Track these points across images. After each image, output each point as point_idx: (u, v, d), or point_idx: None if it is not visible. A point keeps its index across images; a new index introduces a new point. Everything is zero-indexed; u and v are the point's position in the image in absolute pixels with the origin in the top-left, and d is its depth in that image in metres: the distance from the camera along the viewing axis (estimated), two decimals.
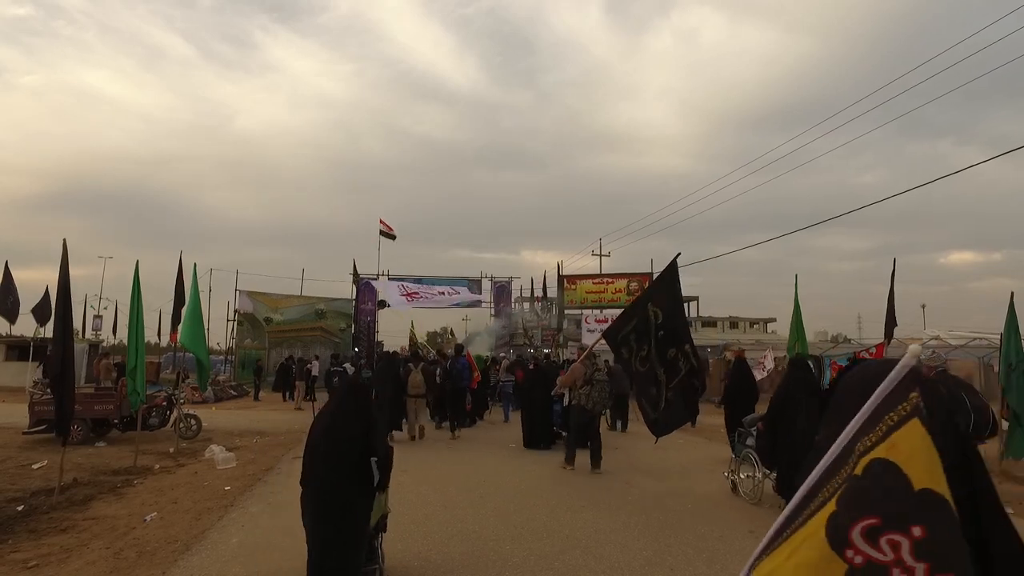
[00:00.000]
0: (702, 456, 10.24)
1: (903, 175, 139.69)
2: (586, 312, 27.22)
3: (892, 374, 1.06)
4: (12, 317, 23.13)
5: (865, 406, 1.09)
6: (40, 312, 22.71)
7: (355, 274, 27.23)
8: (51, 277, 38.72)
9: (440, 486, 7.52)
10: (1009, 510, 6.63)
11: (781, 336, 30.51)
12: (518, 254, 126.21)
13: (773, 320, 40.11)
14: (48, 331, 21.56)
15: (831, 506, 1.10)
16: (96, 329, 33.58)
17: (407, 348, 17.25)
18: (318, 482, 3.80)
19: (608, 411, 13.85)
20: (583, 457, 8.77)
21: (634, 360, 7.04)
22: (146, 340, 10.17)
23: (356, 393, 4.11)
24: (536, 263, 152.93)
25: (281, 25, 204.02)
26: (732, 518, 6.38)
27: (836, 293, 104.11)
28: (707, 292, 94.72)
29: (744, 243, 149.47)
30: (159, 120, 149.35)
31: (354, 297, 27.30)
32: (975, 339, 18.20)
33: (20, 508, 6.18)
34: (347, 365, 16.57)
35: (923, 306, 48.17)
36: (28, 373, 20.23)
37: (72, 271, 6.70)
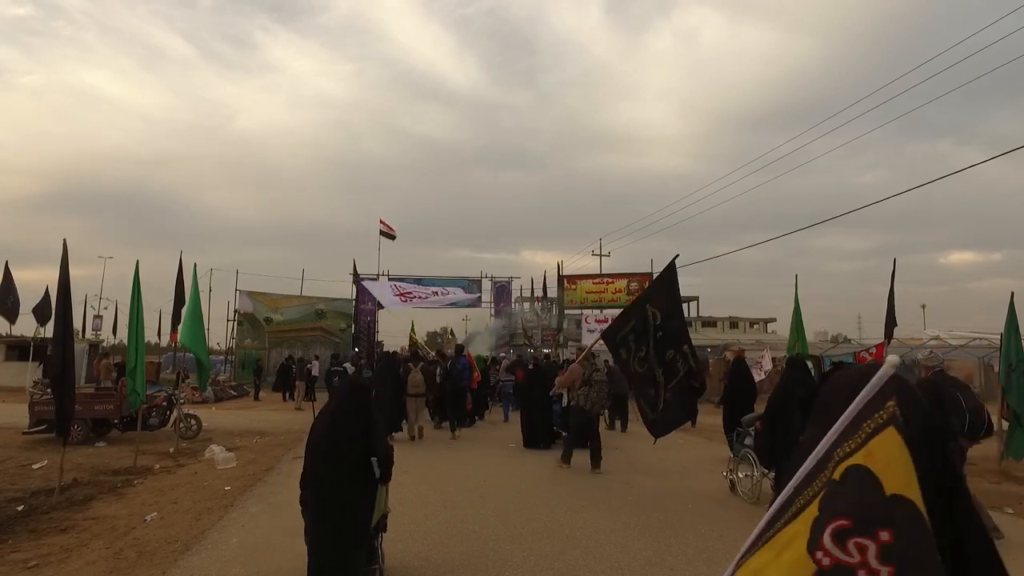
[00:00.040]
0: (702, 456, 10.24)
1: (903, 175, 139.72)
2: (586, 312, 27.23)
3: (871, 384, 1.09)
4: (12, 317, 23.14)
5: (844, 414, 1.12)
6: (41, 312, 22.71)
7: (355, 274, 27.24)
8: (51, 277, 38.77)
9: (440, 486, 7.52)
10: (1009, 510, 6.59)
11: (781, 336, 30.51)
12: (518, 254, 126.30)
13: (773, 320, 40.12)
14: (48, 331, 21.59)
15: (814, 510, 1.13)
16: (96, 329, 33.61)
17: (407, 348, 17.25)
18: (318, 482, 3.81)
19: (607, 411, 13.87)
20: (580, 456, 8.77)
21: (632, 361, 7.04)
22: (146, 340, 10.17)
23: (356, 393, 4.11)
24: (536, 263, 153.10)
25: (281, 25, 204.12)
26: (732, 518, 6.38)
27: (836, 293, 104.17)
28: (707, 292, 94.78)
29: (744, 243, 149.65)
30: (159, 120, 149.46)
31: (354, 297, 27.31)
32: (975, 339, 18.24)
33: (20, 508, 6.18)
34: (347, 365, 16.58)
35: (923, 306, 48.29)
36: (28, 373, 20.24)
37: (72, 271, 6.70)
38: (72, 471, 7.73)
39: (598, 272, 29.08)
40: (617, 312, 8.39)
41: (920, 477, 1.05)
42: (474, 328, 33.68)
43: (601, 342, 7.35)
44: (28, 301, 23.53)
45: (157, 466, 8.50)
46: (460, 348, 14.47)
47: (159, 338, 28.70)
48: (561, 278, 27.98)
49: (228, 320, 27.47)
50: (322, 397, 14.21)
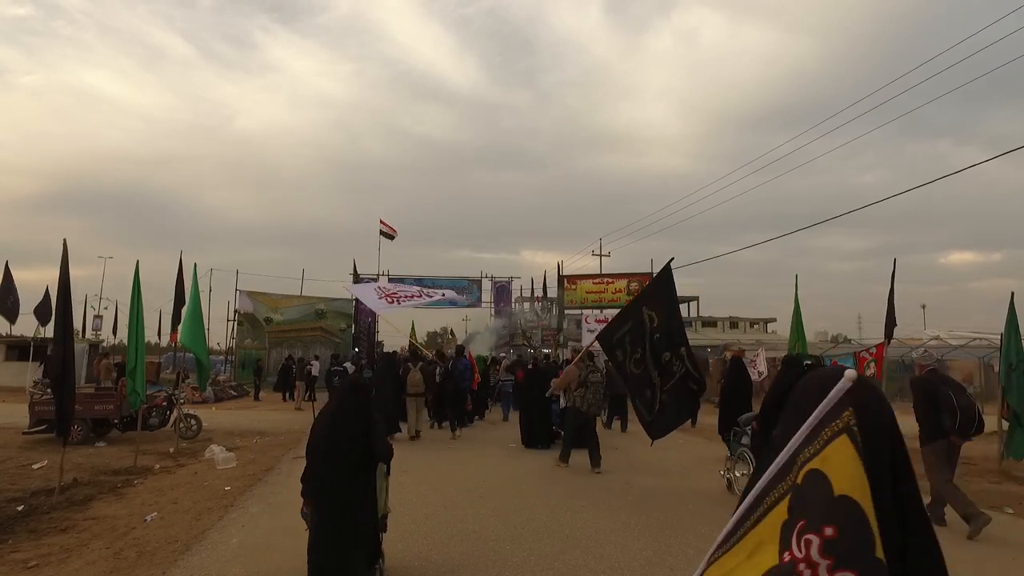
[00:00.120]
0: (702, 456, 10.24)
1: (903, 175, 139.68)
2: (586, 312, 27.23)
3: (830, 395, 1.18)
4: (12, 317, 23.15)
5: (807, 422, 1.21)
6: (42, 312, 22.72)
7: (355, 274, 27.25)
8: (51, 277, 38.79)
9: (440, 486, 7.52)
10: (1009, 510, 6.58)
11: (781, 336, 30.54)
12: (518, 254, 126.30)
13: (773, 320, 40.16)
14: (49, 331, 21.60)
15: (783, 513, 1.21)
16: (96, 329, 33.60)
17: (407, 348, 17.27)
18: (318, 482, 3.81)
19: (605, 411, 13.88)
20: (579, 456, 8.78)
21: (628, 362, 7.06)
22: (146, 340, 10.18)
23: (356, 393, 4.11)
24: (536, 263, 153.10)
25: (281, 25, 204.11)
26: None
27: (836, 293, 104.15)
28: (707, 292, 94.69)
29: (744, 243, 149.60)
30: (159, 120, 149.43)
31: (354, 297, 27.31)
32: (975, 339, 18.23)
33: (20, 508, 6.18)
34: (347, 364, 16.58)
35: (923, 306, 48.27)
36: (28, 373, 20.24)
37: (72, 271, 6.70)
38: (72, 471, 7.73)
39: (598, 272, 29.09)
40: (617, 312, 8.41)
41: (872, 477, 1.12)
42: (474, 328, 33.74)
43: (597, 344, 7.37)
44: (28, 301, 23.57)
45: (157, 466, 8.50)
46: (461, 348, 14.47)
47: (159, 338, 28.71)
48: (561, 278, 27.98)
49: (228, 320, 27.52)
50: (322, 397, 14.21)
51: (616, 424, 13.91)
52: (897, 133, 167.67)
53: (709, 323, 38.93)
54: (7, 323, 23.34)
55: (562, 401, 9.83)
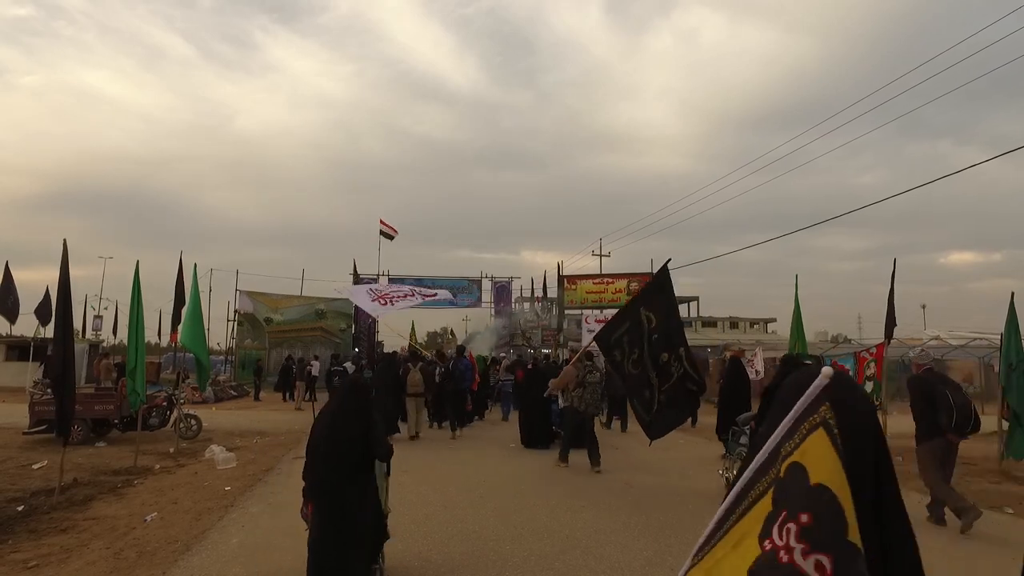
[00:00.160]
0: (702, 456, 10.23)
1: (903, 175, 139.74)
2: (586, 312, 27.23)
3: (807, 392, 1.24)
4: (12, 317, 23.14)
5: (787, 417, 1.28)
6: (43, 312, 22.71)
7: (355, 274, 27.26)
8: (51, 277, 38.79)
9: (440, 486, 7.52)
10: (1009, 510, 6.57)
11: (781, 336, 30.54)
12: (518, 254, 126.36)
13: (773, 320, 40.15)
14: (49, 331, 21.59)
15: (768, 505, 1.27)
16: (96, 329, 33.59)
17: (407, 348, 17.27)
18: (319, 482, 3.80)
19: (605, 411, 13.89)
20: (579, 456, 8.79)
21: (627, 363, 7.07)
22: (146, 340, 10.17)
23: (356, 393, 4.11)
24: (536, 263, 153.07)
25: (281, 25, 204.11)
26: None
27: (836, 293, 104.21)
28: (707, 292, 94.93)
29: (744, 243, 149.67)
30: (159, 120, 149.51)
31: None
32: (975, 339, 18.22)
33: (20, 508, 6.18)
34: (348, 364, 16.58)
35: (923, 306, 48.23)
36: (28, 373, 20.24)
37: (72, 271, 6.69)
38: (72, 471, 7.73)
39: (598, 272, 29.10)
40: (615, 313, 8.44)
41: (851, 472, 1.17)
42: (474, 328, 33.77)
43: (595, 344, 7.38)
44: (28, 301, 23.57)
45: (157, 466, 8.50)
46: (461, 349, 14.47)
47: (159, 338, 28.67)
48: (561, 278, 27.99)
49: (228, 320, 27.53)
50: (322, 397, 14.21)
51: (616, 424, 13.91)
52: (897, 133, 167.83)
53: (709, 323, 38.92)
54: (7, 323, 23.36)
55: (560, 401, 9.84)
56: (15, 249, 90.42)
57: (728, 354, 18.92)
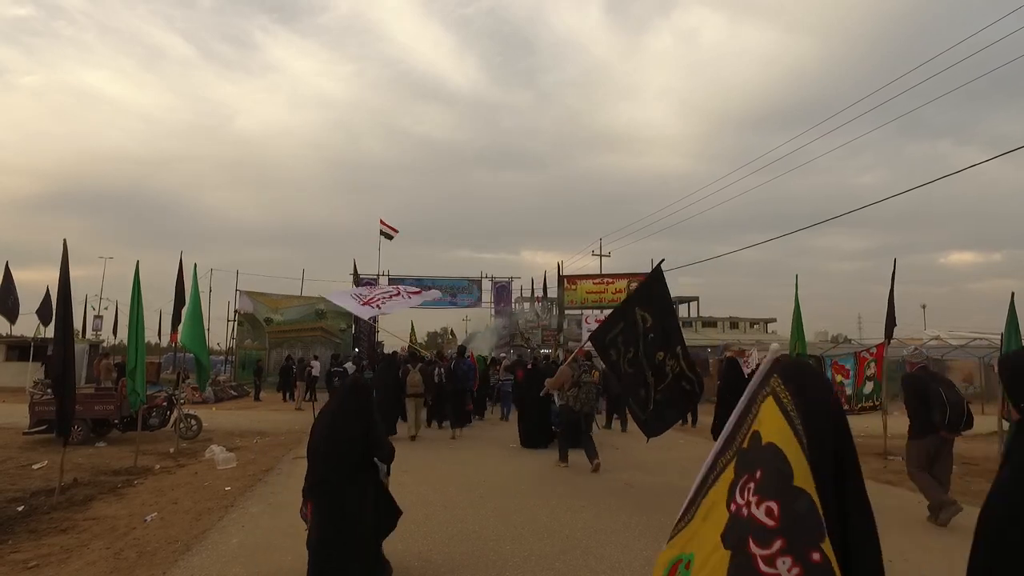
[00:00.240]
0: (702, 455, 10.08)
1: (903, 175, 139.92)
2: (586, 312, 27.26)
3: (760, 367, 1.40)
4: (12, 317, 23.16)
5: (746, 392, 1.43)
6: (44, 313, 22.73)
7: (355, 274, 27.27)
8: (51, 277, 38.82)
9: (440, 486, 7.52)
10: None
11: (781, 336, 30.50)
12: (518, 254, 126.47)
13: (773, 320, 40.06)
14: (49, 331, 21.60)
15: (730, 474, 1.39)
16: (96, 329, 33.62)
17: (406, 349, 17.28)
18: (318, 482, 3.80)
19: (604, 411, 13.90)
20: (579, 456, 8.79)
21: (622, 362, 7.07)
22: (146, 340, 10.17)
23: (357, 393, 4.11)
24: (536, 263, 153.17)
25: (281, 25, 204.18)
26: None
27: (836, 293, 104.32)
28: (707, 292, 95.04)
29: (744, 243, 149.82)
30: (159, 120, 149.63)
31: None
32: (975, 339, 18.24)
33: (20, 508, 6.18)
34: (348, 365, 16.58)
35: (923, 306, 48.42)
36: (28, 373, 20.25)
37: (72, 271, 6.68)
38: (72, 471, 7.73)
39: (598, 272, 29.12)
40: (609, 313, 8.45)
41: (811, 447, 1.27)
42: (474, 328, 33.77)
43: (589, 343, 7.39)
44: (28, 301, 23.64)
45: (157, 466, 8.50)
46: (463, 349, 14.47)
47: (159, 338, 28.72)
48: (561, 278, 28.00)
49: (228, 320, 27.57)
50: (322, 397, 14.20)
51: (616, 424, 13.92)
52: (897, 133, 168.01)
53: (709, 323, 38.85)
54: (7, 323, 23.37)
55: (556, 400, 9.86)
56: (15, 249, 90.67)
57: (728, 354, 18.95)
